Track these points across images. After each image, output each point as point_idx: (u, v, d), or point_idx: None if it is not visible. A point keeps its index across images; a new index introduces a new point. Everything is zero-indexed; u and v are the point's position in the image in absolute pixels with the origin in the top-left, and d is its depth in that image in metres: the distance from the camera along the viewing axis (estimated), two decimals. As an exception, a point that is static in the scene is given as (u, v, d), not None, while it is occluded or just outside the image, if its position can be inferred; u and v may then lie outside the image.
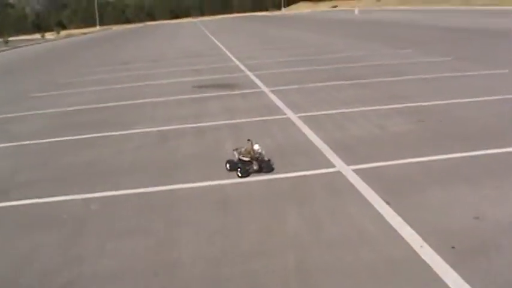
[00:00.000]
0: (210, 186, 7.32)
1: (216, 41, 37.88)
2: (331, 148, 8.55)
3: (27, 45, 58.69)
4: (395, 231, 5.56)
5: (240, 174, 7.52)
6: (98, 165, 8.77)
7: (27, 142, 10.80)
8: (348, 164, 7.73)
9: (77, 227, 6.38)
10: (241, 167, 7.55)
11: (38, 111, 14.32)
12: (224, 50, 29.29)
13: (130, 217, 6.51)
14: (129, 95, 15.91)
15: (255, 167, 7.56)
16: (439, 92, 12.73)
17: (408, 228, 5.59)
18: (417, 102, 11.60)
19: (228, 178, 7.52)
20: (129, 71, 22.37)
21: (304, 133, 9.66)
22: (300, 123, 10.39)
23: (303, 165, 7.84)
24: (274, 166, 7.77)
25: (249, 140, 7.77)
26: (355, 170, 7.45)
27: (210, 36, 46.12)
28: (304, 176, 7.44)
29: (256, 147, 7.69)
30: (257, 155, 7.63)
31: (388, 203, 6.26)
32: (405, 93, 12.79)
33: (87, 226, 6.38)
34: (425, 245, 5.21)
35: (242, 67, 20.41)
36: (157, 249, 5.59)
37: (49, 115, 13.71)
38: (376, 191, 6.63)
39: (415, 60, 18.76)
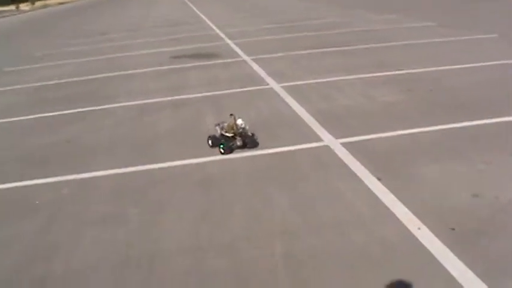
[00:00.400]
0: (191, 164, 6.93)
1: (196, 9, 37.11)
2: (317, 120, 8.19)
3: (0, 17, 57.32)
4: (389, 210, 5.22)
5: (222, 151, 7.14)
6: (73, 144, 8.30)
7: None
8: (336, 137, 7.38)
9: (50, 213, 5.93)
10: (224, 143, 7.18)
11: (12, 87, 13.75)
12: (204, 18, 28.67)
13: (106, 202, 6.09)
14: (107, 66, 15.36)
15: (239, 143, 7.19)
16: (427, 59, 12.34)
17: (402, 207, 5.25)
18: (405, 69, 11.24)
19: (210, 155, 7.14)
20: (107, 41, 21.72)
21: (288, 104, 9.27)
22: (283, 94, 10.00)
23: (288, 140, 7.47)
24: (258, 141, 7.37)
25: (231, 114, 7.36)
26: (343, 144, 7.11)
27: (189, 4, 45.22)
28: (290, 151, 7.08)
29: (239, 121, 7.31)
30: (240, 130, 7.26)
31: (379, 178, 5.93)
32: (392, 60, 12.42)
33: (61, 212, 5.93)
34: (422, 226, 4.85)
35: (222, 35, 19.91)
36: (135, 238, 5.18)
37: (24, 90, 13.16)
38: (366, 166, 6.30)
39: (401, 26, 18.34)
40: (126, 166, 7.06)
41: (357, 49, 14.42)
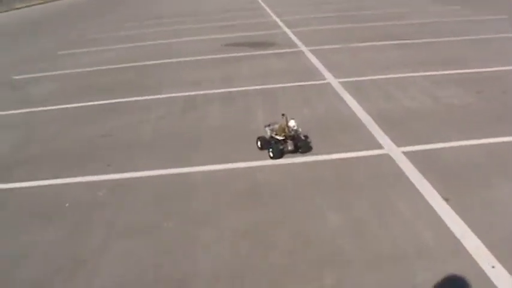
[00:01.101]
0: (237, 169, 6.32)
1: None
2: (377, 123, 7.47)
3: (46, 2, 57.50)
4: (458, 241, 4.47)
5: (272, 155, 6.50)
6: (113, 139, 7.78)
7: (40, 109, 9.86)
8: (398, 145, 6.65)
9: (78, 220, 5.38)
10: (274, 146, 6.51)
11: (63, 71, 13.42)
12: (262, 4, 27.90)
13: (141, 210, 5.52)
14: (157, 53, 14.86)
15: (290, 147, 6.52)
16: (496, 56, 11.44)
17: (474, 238, 4.50)
18: (473, 68, 10.38)
19: (258, 159, 6.51)
20: (159, 26, 21.27)
21: (346, 103, 8.55)
22: (341, 91, 9.27)
23: (345, 145, 6.80)
24: (312, 145, 6.72)
25: (283, 114, 6.67)
26: (406, 153, 6.38)
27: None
28: (347, 159, 6.40)
29: (291, 123, 6.59)
30: (292, 133, 6.57)
31: (447, 199, 5.18)
32: (458, 56, 11.54)
33: (90, 219, 5.38)
34: (497, 264, 4.09)
35: (280, 23, 19.18)
36: (167, 257, 4.57)
37: (74, 76, 12.78)
38: (432, 183, 5.55)
39: (466, 19, 17.30)
40: (166, 167, 6.49)
41: (417, 43, 13.54)
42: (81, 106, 9.68)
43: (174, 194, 5.76)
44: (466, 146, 6.51)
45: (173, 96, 9.82)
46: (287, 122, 6.59)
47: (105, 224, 5.24)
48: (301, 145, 6.57)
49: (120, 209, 5.51)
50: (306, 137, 6.75)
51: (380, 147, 6.64)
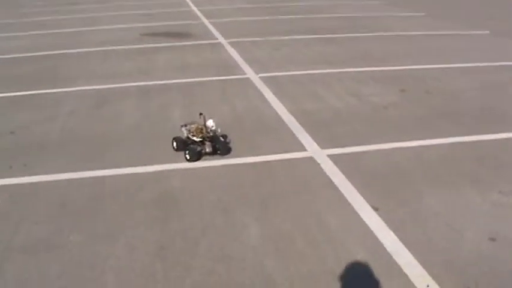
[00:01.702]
0: (150, 173, 5.80)
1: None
2: (300, 123, 7.14)
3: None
4: (391, 257, 4.14)
5: (188, 157, 6.05)
6: (18, 137, 7.10)
7: None
8: (322, 147, 6.34)
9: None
10: (191, 147, 6.07)
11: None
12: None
13: (39, 221, 4.93)
14: (71, 42, 14.06)
15: (208, 149, 6.11)
16: (418, 54, 11.37)
17: (407, 253, 4.20)
18: (395, 65, 10.25)
19: (173, 161, 6.04)
20: (74, 13, 20.36)
21: (267, 100, 8.18)
22: (262, 87, 8.90)
23: (266, 146, 6.41)
24: (231, 146, 6.30)
25: (201, 114, 6.25)
26: (330, 156, 6.07)
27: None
28: (268, 162, 6.02)
29: (209, 123, 6.22)
30: (210, 133, 6.17)
31: (376, 209, 4.88)
32: (380, 53, 11.41)
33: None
34: (432, 282, 3.81)
35: (198, 13, 18.64)
36: (73, 281, 4.03)
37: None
38: (360, 190, 5.26)
39: (386, 14, 17.33)
40: (73, 170, 5.92)
41: (340, 38, 13.35)
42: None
43: (80, 203, 5.20)
44: (392, 149, 6.25)
45: (86, 90, 9.19)
46: (205, 121, 6.21)
47: (1, 239, 4.63)
48: (220, 147, 6.16)
49: (19, 221, 4.90)
50: (225, 137, 6.38)
51: (303, 149, 6.30)
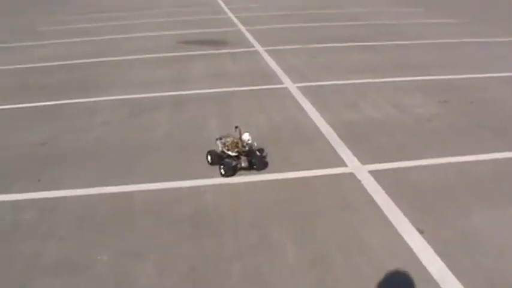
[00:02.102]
0: (182, 189, 5.58)
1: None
2: (339, 136, 6.86)
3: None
4: (437, 285, 3.84)
5: (223, 172, 5.78)
6: (48, 148, 6.96)
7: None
8: (363, 162, 6.05)
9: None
10: (226, 162, 5.81)
11: (1, 67, 12.33)
12: (218, 0, 27.10)
13: (73, 237, 4.75)
14: (108, 49, 13.99)
15: (244, 164, 5.84)
16: (460, 62, 10.99)
17: (455, 282, 3.88)
18: (436, 74, 9.91)
19: (207, 176, 5.81)
20: (109, 20, 20.31)
21: (306, 111, 7.92)
22: (300, 97, 8.64)
23: (304, 161, 6.15)
24: (267, 160, 6.05)
25: (236, 127, 6.00)
26: (372, 172, 5.78)
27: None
28: (306, 178, 5.74)
29: (245, 136, 5.94)
30: (246, 148, 5.91)
31: (421, 231, 4.56)
32: (420, 61, 11.06)
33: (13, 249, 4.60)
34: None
35: (235, 20, 18.46)
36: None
37: (11, 72, 11.82)
38: (403, 209, 4.95)
39: (428, 21, 16.93)
40: (104, 185, 5.74)
41: (379, 45, 13.01)
42: (19, 108, 8.82)
43: (111, 219, 5.00)
44: (437, 165, 5.94)
45: (120, 99, 9.04)
46: (241, 135, 5.94)
47: (27, 256, 4.44)
48: (256, 161, 5.89)
49: (45, 237, 4.71)
50: (262, 151, 6.08)
51: (343, 164, 6.02)
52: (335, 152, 6.35)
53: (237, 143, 5.91)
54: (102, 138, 7.19)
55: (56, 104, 8.85)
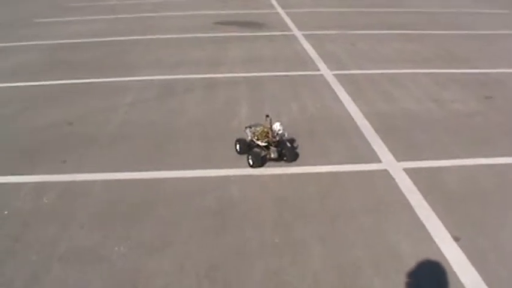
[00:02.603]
0: (208, 178, 5.38)
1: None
2: (374, 128, 6.58)
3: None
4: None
5: (251, 163, 5.58)
6: (74, 128, 6.82)
7: (2, 85, 8.88)
8: (398, 159, 5.75)
9: (14, 234, 4.46)
10: (254, 152, 5.60)
11: (36, 42, 12.32)
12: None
13: (90, 225, 4.58)
14: (141, 27, 13.82)
15: (273, 155, 5.59)
16: (505, 56, 10.53)
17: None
18: (479, 67, 9.48)
19: (235, 166, 5.61)
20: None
21: (341, 101, 7.64)
22: (336, 85, 8.35)
23: (337, 155, 5.90)
24: (298, 151, 5.83)
25: (267, 116, 5.69)
26: (407, 170, 5.48)
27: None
28: (338, 172, 5.46)
29: (276, 126, 5.65)
30: (277, 138, 5.63)
31: (457, 238, 4.29)
32: (462, 53, 10.62)
33: (28, 235, 4.45)
34: None
35: (273, 2, 18.12)
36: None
37: (46, 47, 11.70)
38: (438, 213, 4.66)
39: (469, 10, 16.34)
40: (128, 170, 5.60)
41: (420, 34, 12.57)
42: (49, 85, 8.71)
43: (132, 208, 4.81)
44: (476, 166, 5.63)
45: (151, 79, 8.86)
46: (271, 124, 5.66)
47: (43, 243, 4.27)
48: (286, 153, 5.65)
49: (64, 224, 4.54)
50: (292, 142, 5.91)
51: (378, 160, 5.74)
52: (369, 146, 6.08)
53: (267, 132, 5.64)
54: (130, 120, 7.01)
55: (85, 83, 8.72)
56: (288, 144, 5.72)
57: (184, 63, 9.90)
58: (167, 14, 16.01)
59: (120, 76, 9.03)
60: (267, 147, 5.63)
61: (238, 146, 5.84)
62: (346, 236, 4.32)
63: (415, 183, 5.19)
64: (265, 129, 5.67)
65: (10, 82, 8.94)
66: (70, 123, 6.93)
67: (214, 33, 12.72)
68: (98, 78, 8.95)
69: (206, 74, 9.12)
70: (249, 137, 5.76)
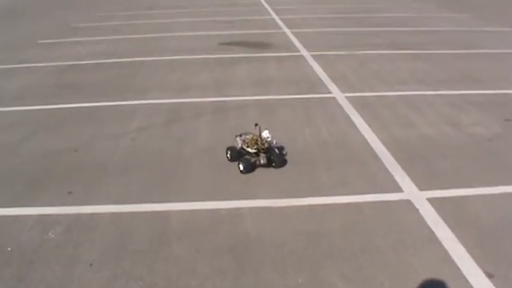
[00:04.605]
0: (219, 210, 5.12)
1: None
2: (393, 155, 6.33)
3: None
4: None
5: (241, 168, 5.85)
6: (80, 156, 6.57)
7: (4, 109, 8.69)
8: (421, 188, 5.48)
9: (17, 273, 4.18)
10: (244, 159, 5.91)
11: (40, 64, 12.11)
12: (261, 0, 26.58)
13: (98, 263, 4.31)
14: (146, 48, 13.61)
15: (262, 161, 5.91)
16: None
17: None
18: (496, 88, 9.23)
19: (248, 196, 5.41)
20: (152, 18, 19.96)
21: (355, 125, 7.39)
22: (349, 108, 8.10)
23: (356, 183, 5.66)
24: (286, 158, 6.10)
25: (256, 124, 6.04)
26: (430, 200, 5.24)
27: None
28: (358, 204, 5.21)
29: (264, 134, 6.03)
30: (266, 145, 5.98)
31: (490, 275, 4.00)
32: (476, 73, 10.36)
33: (33, 274, 4.17)
34: None
35: (279, 22, 17.92)
36: None
37: (49, 70, 11.49)
38: (469, 249, 4.38)
39: (477, 29, 16.13)
40: (137, 201, 5.36)
41: (431, 54, 12.30)
42: (54, 109, 8.48)
43: (142, 244, 4.55)
44: (503, 194, 5.38)
45: (158, 103, 8.63)
46: (260, 132, 6.04)
47: (49, 284, 4.00)
48: (275, 159, 5.94)
49: (72, 261, 4.27)
50: (281, 149, 6.19)
51: (399, 189, 5.47)
52: (389, 174, 5.81)
53: (257, 140, 5.97)
54: (137, 148, 6.77)
55: (90, 106, 8.49)
56: (277, 151, 5.99)
57: (192, 85, 9.67)
58: (173, 34, 15.81)
59: (126, 99, 8.80)
60: (256, 154, 5.93)
61: (229, 154, 6.11)
62: (373, 274, 4.04)
63: (440, 214, 4.93)
64: (255, 137, 6.02)
65: (14, 106, 8.74)
66: (75, 150, 6.69)
67: (221, 54, 12.49)
68: (104, 101, 8.72)
69: (214, 97, 8.89)
70: (239, 145, 6.05)
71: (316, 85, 9.57)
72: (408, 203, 5.17)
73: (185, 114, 8.04)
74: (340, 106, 8.24)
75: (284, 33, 15.72)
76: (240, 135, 6.12)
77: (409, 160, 6.15)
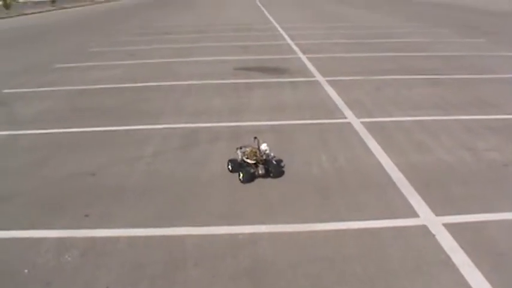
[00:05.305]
0: (235, 235, 5.15)
1: (267, 14, 35.30)
2: (409, 180, 6.31)
3: (75, 7, 56.47)
4: None
5: (242, 179, 6.28)
6: (96, 180, 6.61)
7: (22, 132, 8.85)
8: (437, 214, 5.48)
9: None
10: (244, 169, 6.33)
11: (56, 87, 12.34)
12: (275, 24, 26.77)
13: (113, 284, 4.33)
14: (162, 73, 13.74)
15: (261, 171, 6.36)
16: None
17: None
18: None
19: (263, 221, 5.40)
20: (168, 42, 20.16)
21: (371, 150, 7.38)
22: (365, 134, 8.10)
23: (371, 209, 5.65)
24: (284, 169, 6.54)
25: (255, 137, 6.56)
26: (447, 226, 5.22)
27: (261, 7, 43.46)
28: (375, 229, 5.20)
29: (263, 147, 6.48)
30: (264, 157, 6.41)
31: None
32: (492, 98, 10.35)
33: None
34: None
35: (294, 47, 18.00)
36: None
37: (66, 94, 11.68)
38: (488, 277, 4.35)
39: (494, 54, 16.12)
40: (154, 225, 5.40)
41: (447, 79, 12.30)
42: (70, 132, 8.58)
43: (159, 269, 4.58)
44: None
45: (173, 128, 8.69)
46: (259, 145, 6.49)
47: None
48: (272, 169, 6.39)
49: (88, 286, 4.30)
50: (279, 161, 6.62)
51: (415, 215, 5.46)
52: (405, 199, 5.80)
53: (256, 152, 6.41)
54: (153, 172, 6.81)
55: (107, 131, 8.58)
56: (274, 162, 6.44)
57: (207, 110, 9.72)
58: (187, 59, 15.95)
59: (142, 124, 8.88)
60: (255, 165, 6.35)
61: (230, 166, 6.54)
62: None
63: (457, 239, 4.91)
64: (254, 150, 6.46)
65: (32, 129, 8.87)
66: (93, 174, 6.74)
67: (236, 80, 12.57)
68: (120, 126, 8.81)
69: (230, 122, 8.92)
70: (240, 157, 6.45)
71: (332, 110, 9.59)
72: (424, 228, 5.16)
73: (200, 138, 8.09)
74: (355, 131, 8.26)
75: (299, 58, 15.80)
76: (241, 148, 6.53)
77: (425, 185, 6.13)
